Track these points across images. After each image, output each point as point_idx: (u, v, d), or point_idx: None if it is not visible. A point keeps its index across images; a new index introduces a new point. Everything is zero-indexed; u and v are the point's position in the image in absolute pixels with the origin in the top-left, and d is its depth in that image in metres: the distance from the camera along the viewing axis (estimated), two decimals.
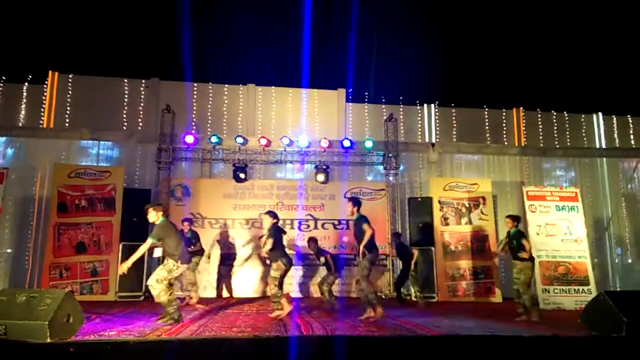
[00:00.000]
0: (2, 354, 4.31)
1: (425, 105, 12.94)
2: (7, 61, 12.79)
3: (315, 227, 11.12)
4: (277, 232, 7.07)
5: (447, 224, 10.95)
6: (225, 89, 12.34)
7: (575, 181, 12.55)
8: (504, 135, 13.03)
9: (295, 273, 10.60)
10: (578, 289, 9.48)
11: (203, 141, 11.36)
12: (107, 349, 4.51)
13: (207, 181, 11.47)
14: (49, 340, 4.52)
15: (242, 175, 11.04)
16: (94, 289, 9.80)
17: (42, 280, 9.69)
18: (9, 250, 10.69)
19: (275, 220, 7.13)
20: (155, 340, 5.13)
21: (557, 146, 13.03)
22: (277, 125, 12.22)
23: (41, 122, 11.48)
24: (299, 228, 11.09)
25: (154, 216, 6.52)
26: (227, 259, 10.75)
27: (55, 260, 9.77)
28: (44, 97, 11.55)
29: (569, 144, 13.12)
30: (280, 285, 6.96)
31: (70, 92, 11.70)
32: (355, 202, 7.08)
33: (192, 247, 8.58)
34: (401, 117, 12.61)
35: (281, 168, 11.91)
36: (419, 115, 12.91)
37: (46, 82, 11.59)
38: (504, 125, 13.09)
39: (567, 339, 5.18)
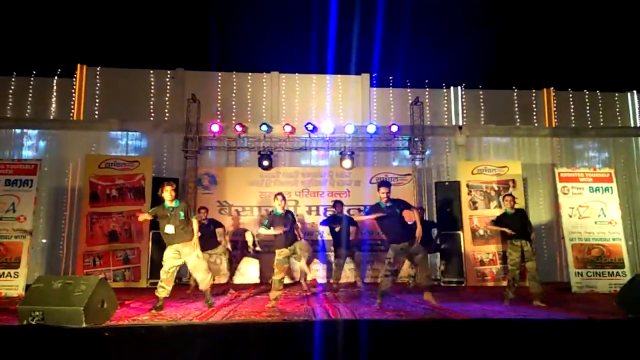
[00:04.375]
0: (41, 338, 4.45)
1: (451, 88, 12.70)
2: (37, 56, 13.07)
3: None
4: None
5: (475, 208, 10.76)
6: (249, 77, 12.35)
7: (609, 162, 12.13)
8: (534, 117, 12.66)
9: (322, 259, 10.63)
10: (612, 272, 9.23)
11: (228, 130, 11.43)
12: (140, 333, 4.60)
13: (233, 169, 11.56)
14: (84, 325, 4.65)
15: (267, 163, 11.09)
16: (126, 276, 10.03)
17: (77, 269, 9.95)
18: (44, 240, 11.02)
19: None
20: (186, 325, 5.23)
21: (590, 126, 12.62)
22: (301, 112, 12.17)
23: (71, 114, 11.72)
24: (324, 214, 11.09)
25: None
26: (254, 245, 10.83)
27: (89, 249, 10.03)
28: (73, 90, 11.78)
29: (601, 124, 12.69)
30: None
31: (98, 84, 11.90)
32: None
33: None
34: (427, 100, 12.39)
35: (306, 155, 11.90)
36: (445, 98, 12.67)
37: (75, 75, 11.81)
38: (533, 106, 12.71)
39: (603, 322, 5.04)
